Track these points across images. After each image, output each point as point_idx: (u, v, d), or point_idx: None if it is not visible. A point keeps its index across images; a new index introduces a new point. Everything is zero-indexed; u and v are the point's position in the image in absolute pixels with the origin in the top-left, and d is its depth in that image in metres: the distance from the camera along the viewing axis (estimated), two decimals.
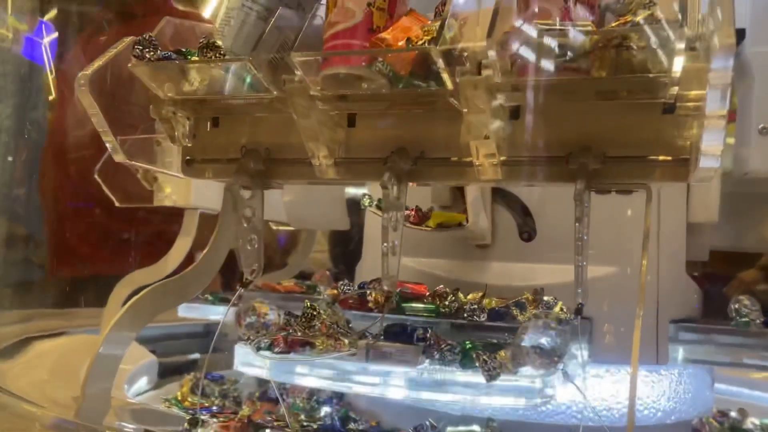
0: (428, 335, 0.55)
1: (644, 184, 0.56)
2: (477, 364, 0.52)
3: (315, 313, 0.63)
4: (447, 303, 0.71)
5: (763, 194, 1.08)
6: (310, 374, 0.58)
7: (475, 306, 0.67)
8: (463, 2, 0.58)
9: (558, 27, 0.46)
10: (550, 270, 0.92)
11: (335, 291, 0.78)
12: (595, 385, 0.86)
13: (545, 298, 0.72)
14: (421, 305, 0.71)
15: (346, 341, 0.57)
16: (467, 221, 0.81)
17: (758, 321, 0.84)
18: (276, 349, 0.56)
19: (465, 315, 0.65)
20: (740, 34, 0.98)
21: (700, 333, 0.97)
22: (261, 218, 0.67)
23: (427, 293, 0.73)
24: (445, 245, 0.94)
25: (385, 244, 0.61)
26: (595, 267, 0.86)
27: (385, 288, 0.61)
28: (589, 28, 0.46)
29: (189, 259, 1.15)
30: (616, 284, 0.89)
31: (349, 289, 0.76)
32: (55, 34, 1.55)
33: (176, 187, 0.93)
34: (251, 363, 0.60)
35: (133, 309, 0.61)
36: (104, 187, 1.06)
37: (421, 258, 0.95)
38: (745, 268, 1.35)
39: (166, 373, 1.33)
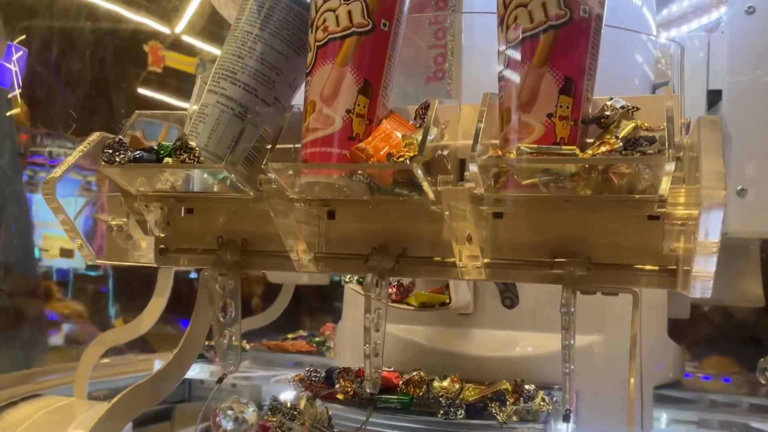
0: None
1: (631, 289, 0.55)
2: None
3: (295, 413, 0.61)
4: (421, 393, 0.69)
5: (741, 248, 1.08)
6: None
7: (451, 400, 0.65)
8: (445, 103, 0.56)
9: (542, 152, 0.45)
10: (532, 338, 0.91)
11: (301, 376, 0.76)
12: None
13: (526, 386, 0.70)
14: (394, 397, 0.68)
15: None
16: (450, 300, 0.79)
17: None
18: None
19: (441, 412, 0.63)
20: (716, 95, 0.99)
21: (683, 397, 0.98)
22: (239, 312, 0.65)
23: (400, 382, 0.71)
24: (427, 314, 0.93)
25: (367, 346, 0.59)
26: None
27: (368, 390, 0.59)
28: (575, 152, 0.45)
29: (162, 319, 1.12)
30: (597, 353, 0.88)
31: (315, 377, 0.74)
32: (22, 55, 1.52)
33: (151, 245, 0.90)
34: None
35: (104, 421, 0.59)
36: (75, 243, 1.03)
37: (402, 324, 0.93)
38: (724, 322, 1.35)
39: (140, 423, 1.30)
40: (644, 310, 0.92)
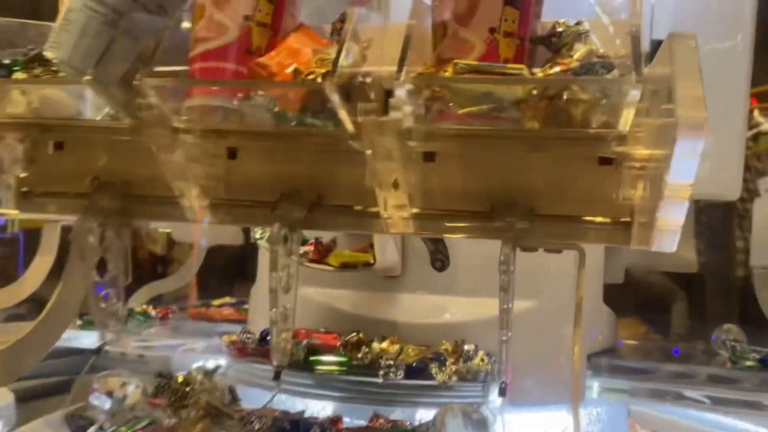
0: None
1: (577, 245, 0.48)
2: None
3: (187, 389, 0.51)
4: (360, 355, 0.62)
5: None
6: None
7: (391, 362, 0.57)
8: (367, 19, 0.47)
9: (484, 70, 0.36)
10: (464, 303, 0.84)
11: (234, 338, 0.67)
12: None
13: (465, 347, 0.63)
14: (333, 358, 0.61)
15: None
16: (374, 260, 0.71)
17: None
18: None
19: (381, 373, 0.56)
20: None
21: (616, 366, 0.94)
22: (123, 267, 0.54)
23: (338, 343, 0.63)
24: (350, 275, 0.84)
25: (274, 311, 0.50)
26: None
27: (275, 363, 0.50)
28: (523, 72, 0.36)
29: (50, 280, 0.99)
30: (531, 320, 0.82)
31: (249, 338, 0.65)
32: None
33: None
34: None
35: None
36: None
37: (324, 288, 0.84)
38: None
39: (28, 398, 1.17)
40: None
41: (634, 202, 0.44)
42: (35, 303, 1.13)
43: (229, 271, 1.67)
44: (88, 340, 1.07)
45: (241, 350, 0.65)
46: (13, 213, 0.55)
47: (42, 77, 0.43)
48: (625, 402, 0.92)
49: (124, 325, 0.55)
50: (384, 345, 0.64)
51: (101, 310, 0.54)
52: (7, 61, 0.46)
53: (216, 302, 1.27)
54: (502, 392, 0.48)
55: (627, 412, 0.94)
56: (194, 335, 1.08)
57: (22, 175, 0.54)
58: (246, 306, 1.20)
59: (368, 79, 0.47)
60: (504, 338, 0.48)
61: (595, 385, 0.93)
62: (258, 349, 0.63)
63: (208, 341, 1.10)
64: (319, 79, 0.38)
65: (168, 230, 1.20)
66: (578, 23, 0.42)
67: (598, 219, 0.46)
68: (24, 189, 0.55)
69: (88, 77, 0.42)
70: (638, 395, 0.93)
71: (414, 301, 0.83)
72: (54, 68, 0.43)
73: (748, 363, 0.95)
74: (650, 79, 0.44)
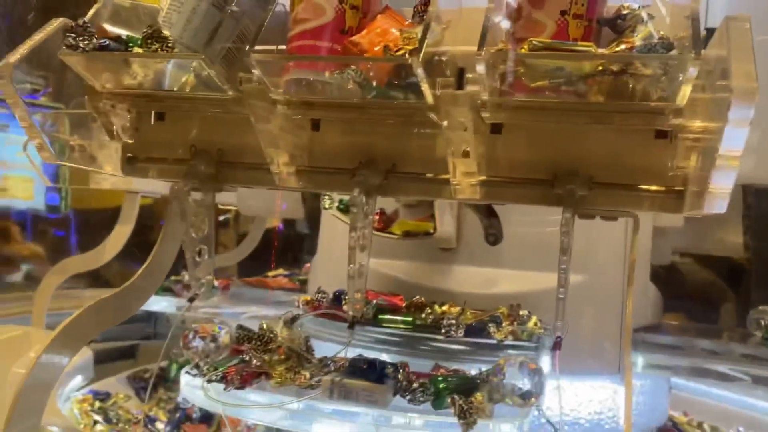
0: (399, 374, 0.51)
1: (632, 213, 0.53)
2: (452, 411, 0.47)
3: (271, 335, 0.57)
4: (423, 315, 0.67)
5: None
6: (264, 408, 0.53)
7: (453, 321, 0.62)
8: (447, 3, 0.52)
9: (556, 47, 0.41)
10: (515, 276, 0.88)
11: (308, 298, 0.73)
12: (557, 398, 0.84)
13: (520, 312, 0.68)
14: (398, 317, 0.66)
15: (307, 374, 0.52)
16: (435, 230, 0.76)
17: None
18: (229, 388, 0.51)
19: (443, 330, 0.61)
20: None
21: (660, 341, 0.97)
22: (212, 227, 0.61)
23: (403, 304, 0.68)
24: (408, 247, 0.89)
25: (351, 266, 0.55)
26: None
27: (350, 313, 0.56)
28: (591, 50, 0.41)
29: (134, 245, 1.07)
30: (578, 292, 0.86)
31: (324, 298, 0.71)
32: None
33: (117, 167, 0.84)
34: (199, 393, 0.54)
35: (65, 332, 0.54)
36: (33, 165, 0.97)
37: (384, 259, 0.90)
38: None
39: (104, 359, 1.26)
40: (629, 249, 0.90)
41: (688, 171, 0.48)
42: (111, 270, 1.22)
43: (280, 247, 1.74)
44: (158, 305, 1.15)
45: (316, 309, 0.70)
46: (118, 175, 0.62)
47: (159, 52, 0.48)
48: (667, 377, 0.96)
49: (213, 279, 0.62)
50: (445, 308, 0.69)
51: (196, 263, 0.60)
52: (124, 36, 0.52)
53: (270, 273, 1.35)
54: (557, 345, 0.52)
55: (668, 386, 0.97)
56: (254, 303, 1.15)
57: (129, 141, 0.60)
58: (300, 277, 1.27)
59: (445, 57, 0.52)
60: (561, 296, 0.52)
61: (639, 360, 0.97)
62: (331, 307, 0.68)
63: (269, 308, 1.18)
64: (406, 55, 0.43)
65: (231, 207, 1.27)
66: (641, 7, 0.46)
67: (653, 188, 0.50)
68: (129, 155, 0.62)
69: (201, 55, 0.48)
70: (680, 372, 0.96)
71: (468, 273, 0.88)
72: (170, 45, 0.49)
73: None
74: (706, 60, 0.48)
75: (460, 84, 0.54)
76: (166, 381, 1.22)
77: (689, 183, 0.48)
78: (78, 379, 1.02)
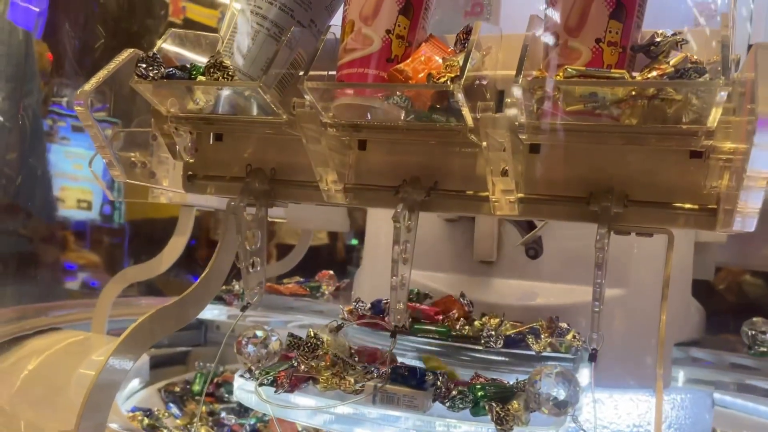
0: (439, 380, 0.54)
1: (667, 229, 0.54)
2: (490, 418, 0.50)
3: (318, 342, 0.61)
4: (459, 327, 0.70)
5: (765, 212, 1.06)
6: (311, 411, 0.56)
7: (492, 332, 0.65)
8: (487, 31, 0.55)
9: (591, 74, 0.43)
10: (554, 289, 0.90)
11: (351, 308, 0.76)
12: (597, 411, 0.85)
13: (560, 324, 0.70)
14: (435, 328, 0.69)
15: (352, 380, 0.55)
16: None
17: None
18: (279, 391, 0.54)
19: (482, 341, 0.64)
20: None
21: (702, 355, 0.97)
22: (264, 240, 0.65)
23: (441, 317, 0.71)
24: (448, 259, 0.92)
25: (394, 278, 0.58)
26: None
27: (393, 323, 0.59)
28: (624, 76, 0.43)
29: (184, 257, 1.13)
30: (619, 306, 0.88)
31: (362, 306, 0.74)
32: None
33: (174, 182, 0.89)
34: (251, 395, 0.58)
35: (130, 337, 0.59)
36: (98, 181, 1.03)
37: (424, 271, 0.93)
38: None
39: (157, 365, 1.31)
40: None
41: (720, 190, 0.50)
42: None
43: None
44: (209, 313, 1.20)
45: (360, 317, 0.73)
46: (179, 191, 0.67)
47: (220, 80, 0.53)
48: (709, 392, 0.96)
49: (264, 288, 0.66)
50: (484, 320, 0.72)
51: (250, 274, 0.64)
52: (188, 65, 0.57)
53: (286, 280, 1.38)
54: (592, 357, 0.55)
55: (711, 401, 0.97)
56: (277, 309, 1.19)
57: (189, 161, 0.65)
58: (311, 284, 1.30)
59: (485, 81, 0.55)
60: (596, 309, 0.54)
61: (680, 375, 0.97)
62: (374, 317, 0.71)
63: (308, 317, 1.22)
64: (448, 83, 0.47)
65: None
66: (675, 33, 0.48)
67: (687, 206, 0.52)
68: (189, 173, 0.67)
69: (258, 83, 0.52)
70: (723, 387, 0.96)
71: (508, 286, 0.90)
72: (230, 73, 0.53)
73: None
74: (739, 82, 0.50)
75: (499, 106, 0.57)
76: (192, 394, 1.21)
77: (721, 201, 0.50)
78: (135, 382, 1.08)
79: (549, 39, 0.49)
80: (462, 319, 0.72)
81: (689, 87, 0.42)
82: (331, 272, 1.31)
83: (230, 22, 0.60)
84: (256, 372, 0.60)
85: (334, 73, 0.57)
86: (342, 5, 0.58)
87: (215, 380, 1.17)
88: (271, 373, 0.57)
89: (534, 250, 0.91)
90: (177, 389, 1.20)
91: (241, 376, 0.60)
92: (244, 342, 0.62)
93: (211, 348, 1.43)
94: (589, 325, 0.56)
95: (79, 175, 1.89)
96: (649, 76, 0.43)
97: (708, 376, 0.95)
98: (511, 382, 0.57)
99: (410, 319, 0.72)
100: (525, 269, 0.90)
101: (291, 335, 0.66)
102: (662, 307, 0.54)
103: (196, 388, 1.17)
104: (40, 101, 1.56)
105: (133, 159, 0.77)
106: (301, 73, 0.51)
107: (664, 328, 0.52)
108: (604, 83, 0.43)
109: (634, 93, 0.44)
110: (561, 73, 0.44)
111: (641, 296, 0.87)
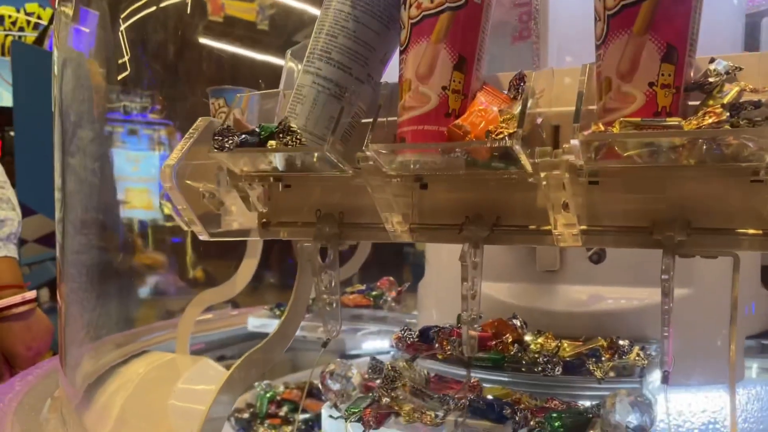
0: (517, 414, 0.57)
1: (732, 252, 0.55)
2: None
3: (396, 374, 0.64)
4: (513, 352, 0.71)
5: None
6: None
7: (549, 357, 0.67)
8: (538, 72, 0.56)
9: (645, 124, 0.45)
10: (619, 292, 0.91)
11: (399, 335, 0.78)
12: (671, 408, 0.86)
13: (620, 342, 0.71)
14: (486, 356, 0.70)
15: (432, 414, 0.59)
16: None
17: None
18: (366, 430, 0.58)
19: (539, 369, 0.66)
20: None
21: None
22: (338, 280, 0.69)
23: (494, 342, 0.73)
24: (511, 269, 0.94)
25: (465, 313, 0.61)
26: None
27: (467, 354, 0.62)
28: (680, 124, 0.45)
29: (255, 278, 1.18)
30: (688, 306, 0.88)
31: (410, 335, 0.77)
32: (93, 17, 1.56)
33: (241, 209, 0.95)
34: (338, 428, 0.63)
35: (225, 389, 0.64)
36: (172, 211, 1.09)
37: (486, 281, 0.95)
38: None
39: None
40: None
41: None
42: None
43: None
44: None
45: (409, 346, 0.76)
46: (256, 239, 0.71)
47: (290, 144, 0.56)
48: None
49: (341, 325, 0.70)
50: (540, 340, 0.73)
51: (327, 312, 0.69)
52: (257, 129, 0.61)
53: (349, 290, 1.42)
54: (665, 380, 0.56)
55: None
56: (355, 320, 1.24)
57: (263, 211, 0.70)
58: (374, 293, 1.34)
59: (539, 120, 0.57)
60: (666, 334, 0.56)
61: (754, 366, 0.97)
62: (419, 344, 0.74)
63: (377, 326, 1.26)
64: (506, 139, 0.49)
65: None
66: (731, 68, 0.49)
67: (750, 231, 0.53)
68: (264, 220, 0.71)
69: (324, 147, 0.56)
70: None
71: (572, 292, 0.92)
72: (299, 137, 0.57)
73: None
74: None
75: (556, 140, 0.59)
76: (258, 417, 1.22)
77: None
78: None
79: (602, 83, 0.51)
80: (516, 343, 0.73)
81: (742, 134, 0.43)
82: (391, 278, 1.35)
83: (288, 78, 0.64)
84: (342, 407, 0.64)
85: (393, 118, 0.60)
86: (394, 53, 0.61)
87: (276, 399, 1.20)
88: (357, 412, 0.61)
89: (597, 254, 0.92)
90: (246, 415, 1.21)
91: (330, 416, 0.64)
92: (328, 378, 0.66)
93: (286, 354, 1.50)
94: (654, 326, 0.56)
95: (136, 177, 1.95)
96: (704, 123, 0.44)
97: None
98: (585, 405, 0.60)
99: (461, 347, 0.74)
100: (588, 275, 0.92)
101: (373, 358, 0.70)
102: (731, 332, 0.55)
103: (262, 410, 1.20)
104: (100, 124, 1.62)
105: (201, 189, 0.82)
106: (368, 137, 0.54)
107: (734, 357, 0.54)
108: (659, 134, 0.45)
109: (689, 140, 0.45)
110: (617, 126, 0.46)
111: (708, 295, 0.87)
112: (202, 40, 2.17)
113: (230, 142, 0.57)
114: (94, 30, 1.59)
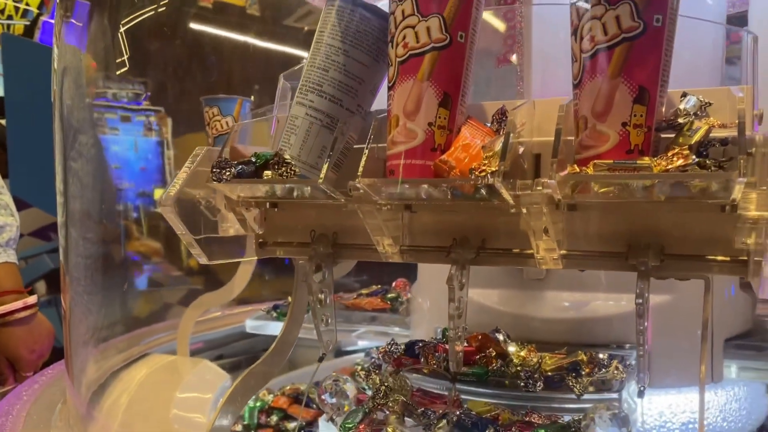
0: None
1: (704, 275, 0.59)
2: None
3: (388, 390, 0.68)
4: (496, 367, 0.74)
5: None
6: None
7: (530, 372, 0.70)
8: (520, 108, 0.59)
9: (617, 166, 0.48)
10: (605, 298, 0.95)
11: (384, 349, 0.81)
12: (651, 410, 0.90)
13: (600, 356, 0.75)
14: (469, 370, 0.73)
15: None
16: None
17: None
18: None
19: (521, 384, 0.69)
20: None
21: (754, 350, 1.00)
22: (332, 298, 0.72)
23: (477, 356, 0.76)
24: (499, 276, 0.98)
25: (452, 332, 0.65)
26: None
27: (452, 369, 0.66)
28: (650, 166, 0.48)
29: (252, 282, 1.22)
30: (668, 311, 0.92)
31: (396, 349, 0.80)
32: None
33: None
34: None
35: (228, 402, 0.68)
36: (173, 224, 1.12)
37: (474, 288, 0.98)
38: None
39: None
40: None
41: (750, 247, 0.54)
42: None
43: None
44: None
45: (395, 360, 0.78)
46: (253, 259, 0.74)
47: (285, 175, 0.59)
48: (764, 381, 0.99)
49: (336, 339, 0.73)
50: (522, 354, 0.76)
51: (323, 330, 0.72)
52: (252, 159, 0.64)
53: (365, 291, 1.43)
54: (641, 394, 0.60)
55: (766, 388, 1.00)
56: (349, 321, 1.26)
57: (260, 232, 0.72)
58: (390, 294, 1.36)
59: (521, 150, 0.60)
60: (640, 353, 0.60)
61: (733, 367, 1.00)
62: (405, 358, 0.77)
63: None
64: (489, 176, 0.52)
65: None
66: (698, 100, 0.52)
67: (719, 258, 0.56)
68: (260, 240, 0.74)
69: (316, 180, 0.59)
70: None
71: (558, 299, 0.95)
72: (293, 168, 0.60)
73: None
74: (761, 143, 0.53)
75: (537, 167, 0.62)
76: (251, 430, 1.19)
77: (751, 255, 0.54)
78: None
79: (579, 121, 0.54)
80: (499, 357, 0.76)
81: (708, 179, 0.46)
82: (405, 280, 1.37)
83: (281, 99, 0.67)
84: (337, 420, 0.68)
85: (383, 145, 0.63)
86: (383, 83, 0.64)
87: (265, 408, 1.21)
88: (352, 429, 0.64)
89: None
90: (239, 428, 1.17)
91: (326, 425, 0.68)
92: (324, 392, 0.69)
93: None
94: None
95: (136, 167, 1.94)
96: (673, 165, 0.47)
97: (762, 365, 0.98)
98: (566, 419, 0.64)
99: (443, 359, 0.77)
100: (575, 281, 0.95)
101: (367, 370, 0.74)
102: (702, 349, 0.59)
103: (253, 421, 1.17)
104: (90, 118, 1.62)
105: (197, 196, 0.84)
106: (359, 172, 0.57)
107: (704, 375, 0.57)
108: (630, 177, 0.48)
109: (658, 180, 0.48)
110: (590, 167, 0.49)
111: (687, 301, 0.91)
112: (193, 25, 2.16)
113: (227, 173, 0.60)
114: (87, 22, 1.59)
